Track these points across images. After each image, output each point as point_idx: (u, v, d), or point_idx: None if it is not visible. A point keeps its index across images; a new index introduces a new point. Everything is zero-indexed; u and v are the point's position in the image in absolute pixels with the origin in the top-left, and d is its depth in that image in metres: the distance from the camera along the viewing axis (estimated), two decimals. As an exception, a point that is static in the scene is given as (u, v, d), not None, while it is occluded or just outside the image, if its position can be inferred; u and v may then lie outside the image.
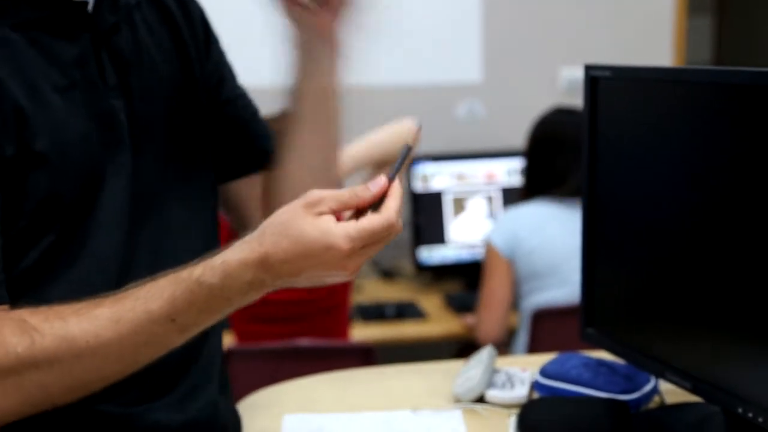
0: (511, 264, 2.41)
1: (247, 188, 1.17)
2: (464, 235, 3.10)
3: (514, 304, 2.49)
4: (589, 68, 1.23)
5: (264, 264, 0.85)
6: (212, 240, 1.10)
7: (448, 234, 3.09)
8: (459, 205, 3.11)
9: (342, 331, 2.45)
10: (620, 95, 1.21)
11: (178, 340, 0.90)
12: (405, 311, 2.82)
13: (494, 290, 2.43)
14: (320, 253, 0.85)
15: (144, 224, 1.01)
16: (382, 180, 0.88)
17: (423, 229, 3.08)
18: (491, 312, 2.43)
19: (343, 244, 0.84)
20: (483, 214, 3.11)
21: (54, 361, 0.86)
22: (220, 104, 1.13)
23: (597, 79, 1.22)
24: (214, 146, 1.12)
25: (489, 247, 2.44)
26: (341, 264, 0.86)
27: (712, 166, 1.05)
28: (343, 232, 0.85)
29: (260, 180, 1.17)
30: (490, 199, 3.12)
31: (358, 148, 2.30)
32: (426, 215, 3.08)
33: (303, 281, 0.88)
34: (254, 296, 0.88)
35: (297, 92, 1.12)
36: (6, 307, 0.89)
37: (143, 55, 1.04)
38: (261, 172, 1.16)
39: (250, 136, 1.17)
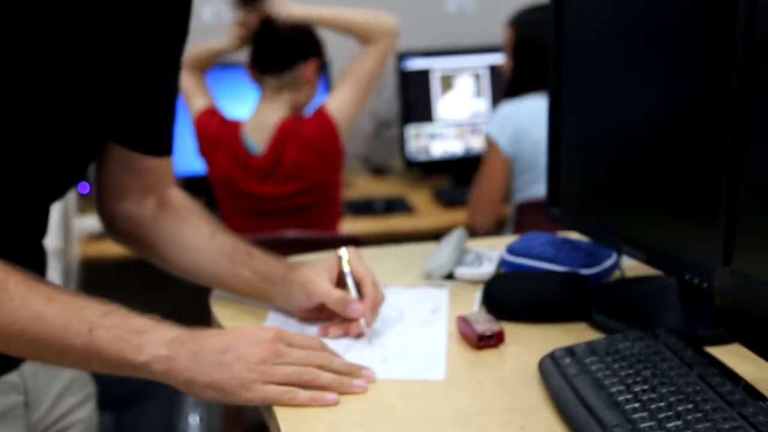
0: (511, 159, 2.46)
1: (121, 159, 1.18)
2: (452, 112, 3.13)
3: (507, 197, 2.57)
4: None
5: (194, 334, 0.96)
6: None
7: (436, 112, 3.12)
8: (447, 83, 3.13)
9: (332, 225, 2.51)
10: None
11: (70, 351, 0.92)
12: (394, 206, 2.88)
13: (491, 183, 2.51)
14: (249, 331, 0.99)
15: None
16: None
17: (411, 106, 3.10)
18: (486, 203, 2.53)
19: (274, 328, 1.00)
20: (470, 92, 3.14)
21: None
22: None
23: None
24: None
25: (489, 142, 2.50)
26: (265, 346, 0.96)
27: (669, 52, 1.07)
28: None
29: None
30: (477, 77, 3.14)
31: (329, 12, 2.41)
32: (414, 93, 3.10)
33: (216, 358, 0.94)
34: (164, 352, 0.93)
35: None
36: None
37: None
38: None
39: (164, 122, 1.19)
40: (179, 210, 1.23)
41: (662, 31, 1.08)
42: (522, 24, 2.52)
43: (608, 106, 1.20)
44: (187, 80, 2.43)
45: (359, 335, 1.13)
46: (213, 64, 2.53)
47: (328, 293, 1.14)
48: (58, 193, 1.11)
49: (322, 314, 1.17)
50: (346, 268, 1.16)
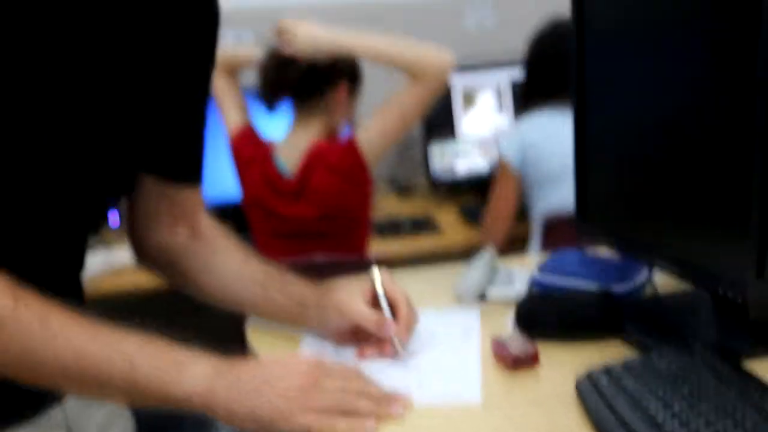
0: (521, 175, 2.50)
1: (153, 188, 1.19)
2: (475, 129, 3.13)
3: (523, 213, 2.58)
4: (573, -31, 1.25)
5: (232, 365, 0.96)
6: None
7: (459, 129, 3.12)
8: (469, 99, 3.13)
9: (361, 248, 2.52)
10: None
11: (111, 386, 0.92)
12: (420, 225, 2.88)
13: (501, 200, 2.55)
14: (287, 361, 0.99)
15: None
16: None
17: (433, 124, 3.11)
18: (497, 221, 2.57)
19: (311, 357, 1.00)
20: (493, 107, 3.14)
21: (18, 332, 0.89)
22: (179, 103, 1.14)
23: (581, -20, 1.24)
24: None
25: (501, 162, 2.55)
26: (303, 375, 0.96)
27: (694, 58, 1.07)
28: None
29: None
30: (499, 92, 3.14)
31: (387, 43, 2.29)
32: (436, 110, 3.11)
33: (255, 389, 0.94)
34: (204, 384, 0.93)
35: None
36: None
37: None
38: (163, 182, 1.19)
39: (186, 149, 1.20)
40: (211, 237, 1.24)
41: (687, 38, 1.08)
42: (537, 41, 2.57)
43: (634, 118, 1.20)
44: (221, 87, 2.41)
45: (394, 355, 1.14)
46: (241, 70, 2.50)
47: (363, 314, 1.15)
48: (95, 226, 1.13)
49: (356, 337, 1.18)
50: (380, 289, 1.17)
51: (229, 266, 1.23)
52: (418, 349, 1.17)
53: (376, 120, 2.36)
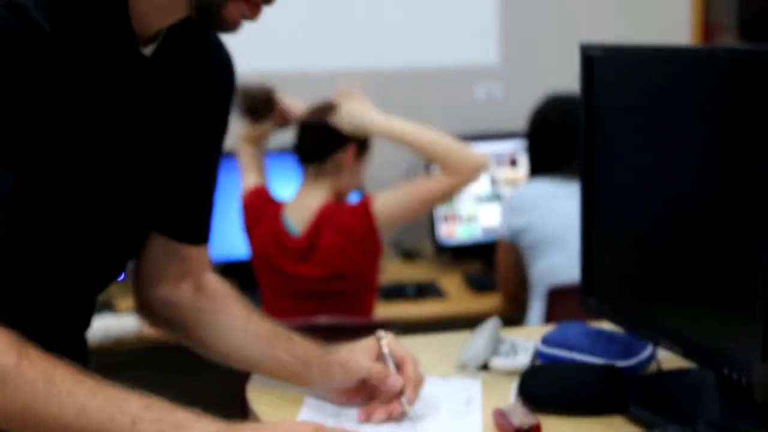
0: (515, 245, 2.58)
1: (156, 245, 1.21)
2: (481, 197, 3.18)
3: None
4: (584, 48, 1.28)
5: (234, 428, 0.94)
6: None
7: (465, 196, 3.16)
8: None
9: (367, 311, 2.52)
10: (614, 73, 1.25)
11: None
12: (425, 291, 2.89)
13: (500, 270, 2.70)
14: (288, 423, 1.01)
15: None
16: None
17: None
18: (503, 291, 2.73)
19: (311, 420, 1.00)
20: (499, 176, 3.19)
21: (21, 388, 0.89)
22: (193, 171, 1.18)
23: (592, 58, 1.26)
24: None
25: (499, 238, 2.66)
26: None
27: (704, 140, 1.09)
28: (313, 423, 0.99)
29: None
30: (507, 162, 3.19)
31: (430, 137, 2.36)
32: None
33: None
34: None
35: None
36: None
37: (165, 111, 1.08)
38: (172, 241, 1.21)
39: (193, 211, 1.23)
40: (215, 294, 1.26)
41: (696, 117, 1.09)
42: (537, 113, 2.65)
43: (641, 195, 1.21)
44: (244, 153, 2.52)
45: (401, 416, 1.13)
46: (265, 141, 2.58)
47: (369, 367, 1.16)
48: (104, 285, 1.14)
49: (359, 395, 1.18)
50: (386, 350, 1.17)
51: (234, 323, 1.24)
52: (421, 415, 1.16)
53: (400, 192, 2.40)
